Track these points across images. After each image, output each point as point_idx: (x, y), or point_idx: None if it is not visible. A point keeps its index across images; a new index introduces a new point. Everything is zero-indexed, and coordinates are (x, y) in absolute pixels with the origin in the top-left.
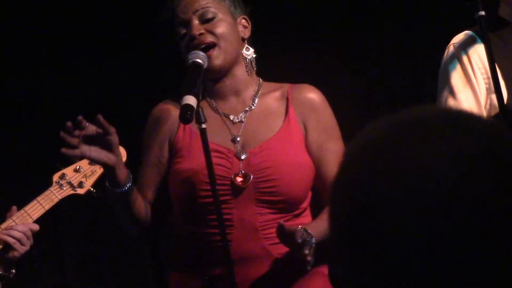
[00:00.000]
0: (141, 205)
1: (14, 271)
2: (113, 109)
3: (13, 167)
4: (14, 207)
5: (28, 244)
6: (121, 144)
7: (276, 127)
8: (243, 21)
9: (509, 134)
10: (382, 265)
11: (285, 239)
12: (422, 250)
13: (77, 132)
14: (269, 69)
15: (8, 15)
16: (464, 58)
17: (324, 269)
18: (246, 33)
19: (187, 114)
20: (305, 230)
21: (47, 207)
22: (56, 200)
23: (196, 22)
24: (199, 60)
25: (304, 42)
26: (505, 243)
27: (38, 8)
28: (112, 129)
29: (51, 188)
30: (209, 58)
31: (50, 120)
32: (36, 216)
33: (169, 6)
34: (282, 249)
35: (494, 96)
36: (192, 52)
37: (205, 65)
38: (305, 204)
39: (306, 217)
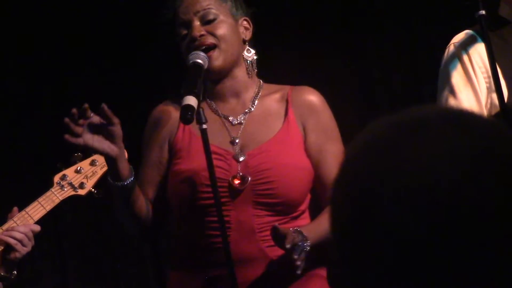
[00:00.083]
0: (143, 203)
1: (15, 272)
2: (113, 110)
3: (14, 168)
4: (15, 208)
5: (29, 245)
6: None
7: (275, 129)
8: (245, 22)
9: (510, 134)
10: (382, 265)
11: (279, 241)
12: (422, 249)
13: (81, 121)
14: (269, 69)
15: (8, 15)
16: (465, 58)
17: (322, 272)
18: (247, 35)
19: (187, 115)
20: (300, 232)
21: (48, 208)
22: (57, 201)
23: (197, 23)
24: (199, 61)
25: (304, 42)
26: (505, 243)
27: (39, 8)
28: (116, 120)
29: (52, 189)
30: (209, 59)
31: (51, 120)
32: (37, 217)
33: (171, 6)
34: (279, 251)
35: (494, 95)
36: (193, 53)
37: (206, 66)
38: (304, 206)
39: (305, 220)
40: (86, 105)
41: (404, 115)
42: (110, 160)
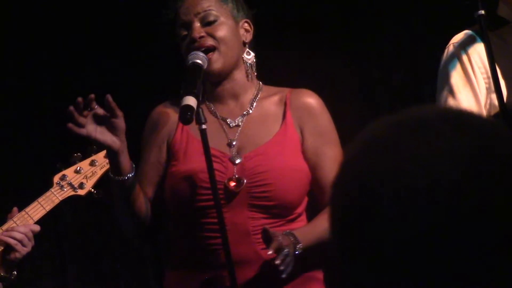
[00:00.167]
0: (142, 201)
1: (15, 272)
2: None
3: (14, 168)
4: (15, 209)
5: (29, 245)
6: None
7: (273, 131)
8: (246, 25)
9: (509, 133)
10: (382, 265)
11: (268, 244)
12: (422, 249)
13: (85, 113)
14: (269, 69)
15: (8, 15)
16: (464, 58)
17: (318, 274)
18: (248, 37)
19: (187, 115)
20: (292, 235)
21: (48, 208)
22: (57, 201)
23: (197, 24)
24: (198, 61)
25: (304, 42)
26: (505, 243)
27: (39, 8)
28: (120, 113)
29: (52, 189)
30: (208, 61)
31: (51, 120)
32: (37, 217)
33: (172, 6)
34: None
35: (494, 96)
36: (192, 53)
37: (205, 66)
38: (300, 209)
39: (301, 222)
40: (92, 96)
41: (404, 115)
42: (112, 153)
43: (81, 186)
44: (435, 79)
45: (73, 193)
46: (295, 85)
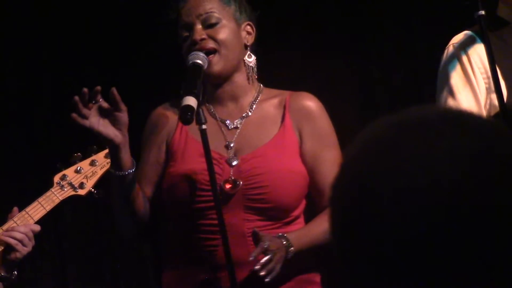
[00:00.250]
0: (142, 199)
1: (15, 272)
2: None
3: (14, 168)
4: (15, 208)
5: (29, 245)
6: None
7: (271, 134)
8: (248, 27)
9: (509, 134)
10: (382, 265)
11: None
12: (422, 249)
13: (90, 105)
14: (269, 70)
15: (8, 15)
16: (464, 58)
17: (315, 277)
18: (250, 40)
19: (187, 115)
20: (285, 238)
21: (48, 208)
22: (57, 201)
23: (199, 26)
24: (199, 61)
25: (304, 42)
26: (505, 243)
27: (39, 8)
28: (124, 107)
29: (52, 189)
30: (209, 63)
31: (51, 120)
32: (37, 217)
33: (174, 7)
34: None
35: (493, 96)
36: (192, 53)
37: (205, 66)
38: (297, 212)
39: (298, 225)
40: (99, 88)
41: (404, 115)
42: (113, 147)
43: (81, 186)
44: (435, 79)
45: (73, 193)
46: (295, 85)
